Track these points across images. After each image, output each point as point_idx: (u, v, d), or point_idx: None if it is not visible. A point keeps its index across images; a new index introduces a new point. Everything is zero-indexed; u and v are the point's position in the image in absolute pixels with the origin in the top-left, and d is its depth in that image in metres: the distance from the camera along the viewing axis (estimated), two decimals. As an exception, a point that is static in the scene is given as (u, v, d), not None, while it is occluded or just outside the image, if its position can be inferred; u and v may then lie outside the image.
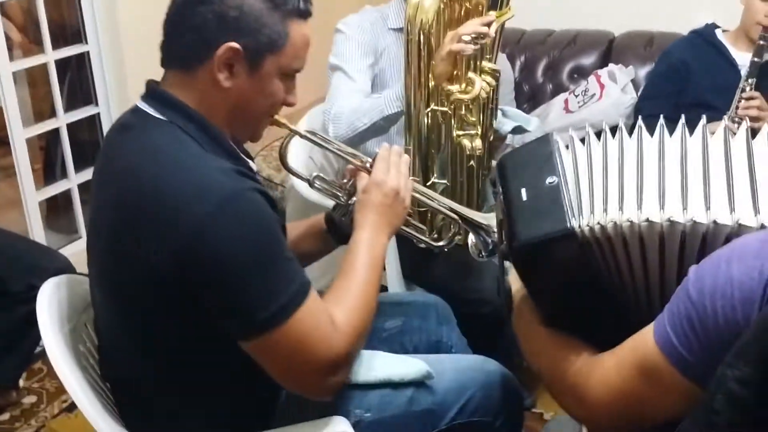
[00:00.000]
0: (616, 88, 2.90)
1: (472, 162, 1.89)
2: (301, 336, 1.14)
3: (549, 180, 1.07)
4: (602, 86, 2.94)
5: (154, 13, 1.29)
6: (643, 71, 2.99)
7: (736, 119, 2.34)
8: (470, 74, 1.80)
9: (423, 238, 1.64)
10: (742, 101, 2.38)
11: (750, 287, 0.82)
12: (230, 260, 1.09)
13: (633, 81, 2.98)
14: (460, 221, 1.54)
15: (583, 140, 1.14)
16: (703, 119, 1.09)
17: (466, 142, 1.84)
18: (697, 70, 2.61)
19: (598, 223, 1.01)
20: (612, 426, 1.02)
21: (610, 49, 3.16)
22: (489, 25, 1.76)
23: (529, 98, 3.21)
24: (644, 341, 0.94)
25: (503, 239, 1.14)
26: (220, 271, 1.10)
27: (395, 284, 2.10)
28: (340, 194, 1.51)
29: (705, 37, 2.68)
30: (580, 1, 3.26)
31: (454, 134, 1.85)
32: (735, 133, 1.07)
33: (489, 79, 1.83)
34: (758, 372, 0.76)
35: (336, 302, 1.23)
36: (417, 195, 1.50)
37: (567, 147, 1.14)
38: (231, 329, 1.14)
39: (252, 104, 1.23)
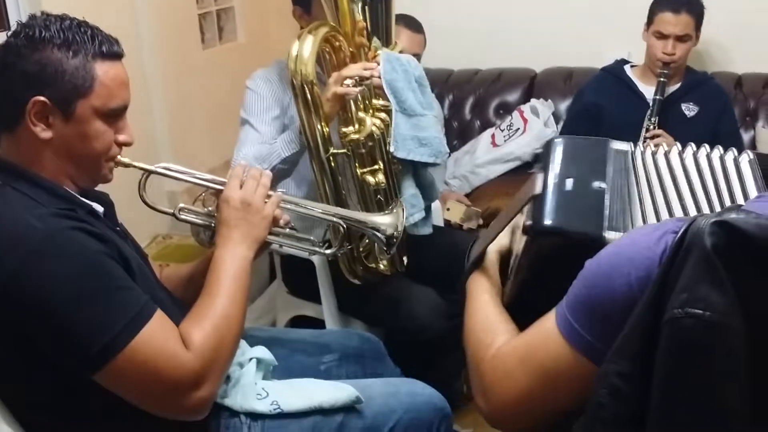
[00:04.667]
0: (539, 122, 3.05)
1: (379, 196, 1.96)
2: (145, 359, 1.18)
3: (597, 184, 1.09)
4: (526, 120, 3.09)
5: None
6: (564, 104, 3.16)
7: None
8: (360, 114, 1.88)
9: (308, 247, 1.63)
10: (647, 141, 2.53)
11: (646, 265, 0.86)
12: (51, 300, 1.14)
13: (554, 114, 3.14)
14: (344, 225, 1.59)
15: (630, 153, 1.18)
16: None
17: (369, 178, 1.93)
18: (608, 108, 2.78)
19: None
20: (514, 426, 1.05)
21: (533, 86, 3.31)
22: (373, 69, 1.84)
23: (458, 134, 3.34)
24: (546, 329, 0.97)
25: (530, 213, 1.11)
26: (44, 312, 1.15)
27: (331, 320, 2.16)
28: (210, 222, 1.51)
29: (614, 74, 2.86)
30: (503, 42, 3.41)
31: (358, 172, 1.93)
32: None
33: (382, 115, 1.91)
34: (637, 366, 0.83)
35: (193, 321, 1.28)
36: (290, 206, 1.53)
37: (619, 154, 1.17)
38: (74, 366, 1.18)
39: (79, 149, 1.27)
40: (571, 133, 2.87)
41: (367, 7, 1.90)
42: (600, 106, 2.80)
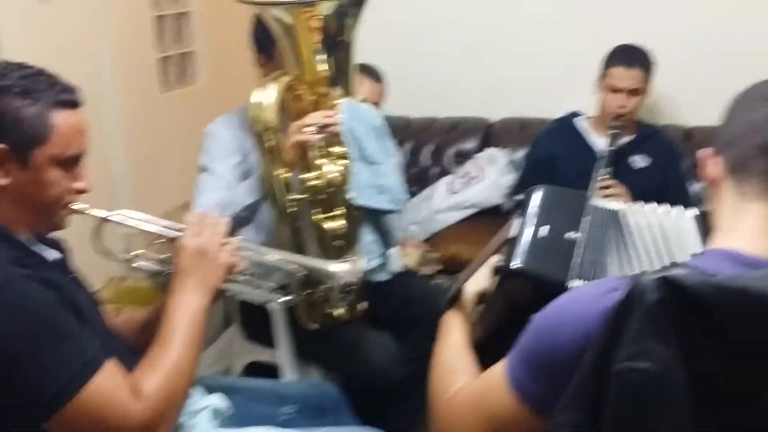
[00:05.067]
0: (495, 171, 3.11)
1: (338, 241, 1.98)
2: (94, 409, 1.18)
3: (571, 234, 1.16)
4: (482, 169, 3.15)
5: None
6: (519, 153, 3.21)
7: None
8: (321, 161, 1.91)
9: (264, 294, 1.63)
10: (601, 191, 2.58)
11: (592, 321, 0.89)
12: (1, 348, 1.14)
13: (511, 162, 3.19)
14: (301, 272, 1.58)
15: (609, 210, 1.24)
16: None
17: (329, 224, 1.95)
18: (561, 158, 2.85)
19: None
20: None
21: (489, 134, 3.37)
22: (333, 117, 1.88)
23: (417, 181, 3.37)
24: (496, 378, 1.00)
25: (503, 254, 1.18)
26: None
27: (287, 366, 2.15)
28: (165, 269, 1.51)
29: (567, 125, 2.94)
30: (460, 92, 3.48)
31: (318, 219, 1.95)
32: None
33: (342, 162, 1.94)
34: (587, 418, 0.85)
35: (145, 370, 1.29)
36: (247, 253, 1.52)
37: (598, 211, 1.23)
38: (24, 414, 1.18)
39: (35, 196, 1.28)
40: (527, 183, 2.94)
41: (329, 57, 1.94)
42: (553, 156, 2.87)
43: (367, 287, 2.12)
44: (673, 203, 1.25)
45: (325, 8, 1.87)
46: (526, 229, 1.16)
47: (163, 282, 1.53)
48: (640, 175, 2.74)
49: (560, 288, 1.08)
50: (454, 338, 1.22)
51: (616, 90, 2.73)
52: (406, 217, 3.11)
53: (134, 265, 1.51)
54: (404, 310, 2.28)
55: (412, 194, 3.29)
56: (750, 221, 0.95)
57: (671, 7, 3.13)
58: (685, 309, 0.80)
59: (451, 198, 3.14)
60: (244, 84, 2.14)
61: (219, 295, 1.46)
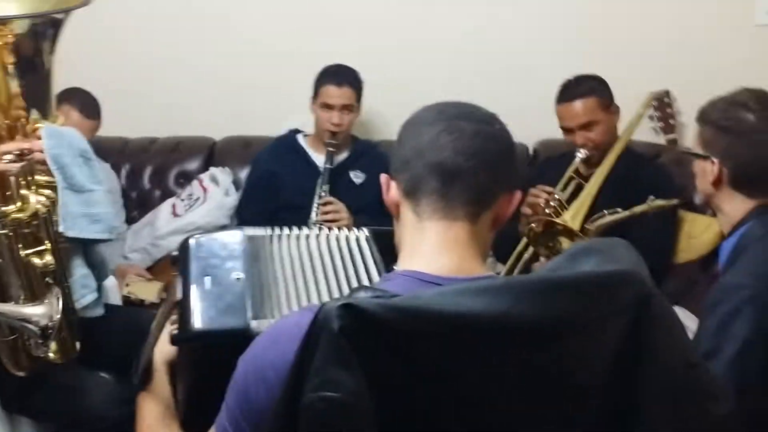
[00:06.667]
0: (219, 191, 3.07)
1: (47, 278, 1.84)
2: None
3: (235, 275, 1.12)
4: (205, 189, 3.09)
5: None
6: (243, 172, 3.18)
7: (318, 225, 2.59)
8: (23, 191, 1.77)
9: None
10: (320, 207, 2.67)
11: (284, 368, 0.88)
12: None
13: (235, 182, 3.17)
14: None
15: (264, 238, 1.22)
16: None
17: (36, 260, 1.80)
18: (283, 176, 2.88)
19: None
20: None
21: (212, 154, 3.32)
22: (34, 143, 1.75)
23: (138, 205, 3.24)
24: None
25: (179, 320, 1.13)
26: None
27: (-9, 422, 1.96)
28: None
29: (287, 144, 2.99)
30: (181, 110, 3.39)
31: (22, 255, 1.79)
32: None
33: (46, 192, 1.81)
34: None
35: None
36: None
37: (254, 243, 1.20)
38: None
39: None
40: (250, 201, 2.95)
41: (24, 79, 1.79)
42: (275, 174, 2.89)
43: (82, 324, 1.98)
44: (388, 217, 1.30)
45: (18, 26, 1.71)
46: (191, 287, 1.13)
47: None
48: (359, 190, 2.85)
49: (245, 334, 1.06)
50: (149, 422, 1.18)
51: (328, 107, 2.82)
52: (126, 245, 2.98)
53: None
54: (126, 344, 2.15)
55: (133, 220, 3.16)
56: (428, 241, 1.01)
57: (378, 30, 3.28)
58: (367, 333, 0.82)
59: (175, 222, 3.04)
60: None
61: None
